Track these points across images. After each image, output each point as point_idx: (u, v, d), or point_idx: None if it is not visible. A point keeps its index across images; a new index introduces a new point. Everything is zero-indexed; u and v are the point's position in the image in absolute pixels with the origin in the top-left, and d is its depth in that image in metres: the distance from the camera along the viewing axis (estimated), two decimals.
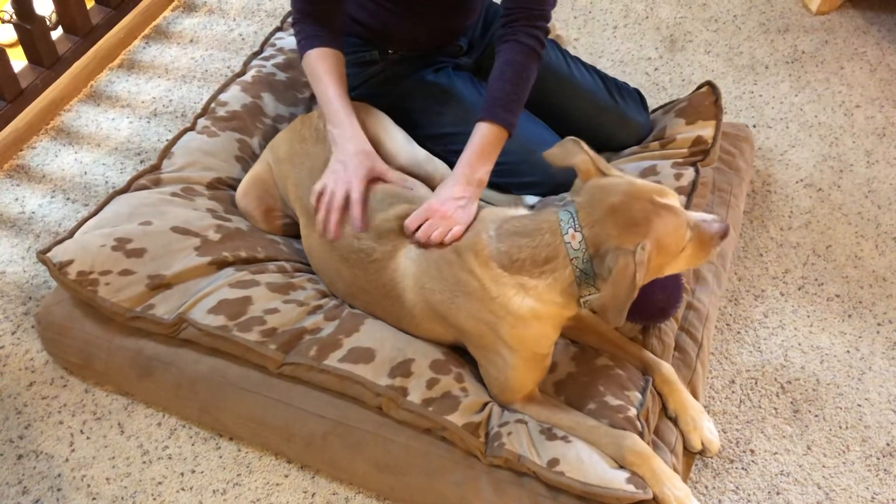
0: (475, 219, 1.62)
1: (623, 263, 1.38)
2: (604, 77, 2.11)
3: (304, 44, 1.81)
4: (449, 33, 2.01)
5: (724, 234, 1.52)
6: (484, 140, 1.71)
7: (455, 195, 1.66)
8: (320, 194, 1.70)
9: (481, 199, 2.01)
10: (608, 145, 2.09)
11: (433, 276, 1.58)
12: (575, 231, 1.45)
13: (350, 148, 1.72)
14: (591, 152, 1.53)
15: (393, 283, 1.64)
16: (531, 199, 2.00)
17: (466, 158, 1.71)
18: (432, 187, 1.85)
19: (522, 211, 1.63)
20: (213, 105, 2.13)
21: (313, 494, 1.70)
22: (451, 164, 1.92)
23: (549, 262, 1.46)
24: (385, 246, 1.64)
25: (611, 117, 2.06)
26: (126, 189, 1.93)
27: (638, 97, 2.14)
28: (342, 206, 1.68)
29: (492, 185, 2.01)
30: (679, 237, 1.46)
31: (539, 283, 1.48)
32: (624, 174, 1.54)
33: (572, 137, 1.55)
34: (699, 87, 2.13)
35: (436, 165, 1.88)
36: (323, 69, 1.78)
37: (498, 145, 1.73)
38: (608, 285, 1.40)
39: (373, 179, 1.73)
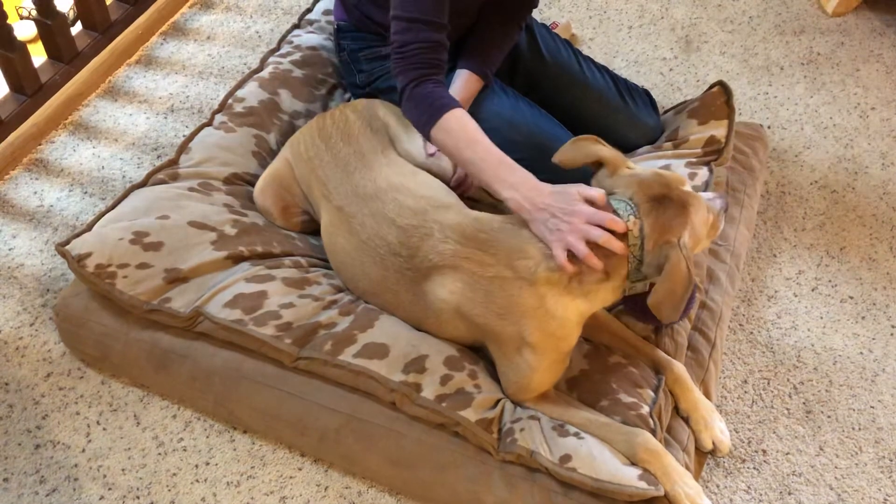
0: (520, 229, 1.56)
1: (676, 258, 1.40)
2: (615, 77, 2.12)
3: (436, 109, 1.65)
4: (462, 28, 2.02)
5: (726, 208, 1.60)
6: (472, 91, 1.94)
7: None
8: (571, 256, 1.49)
9: (493, 197, 2.02)
10: (618, 146, 2.09)
11: (480, 296, 1.55)
12: (636, 218, 1.46)
13: (552, 199, 1.52)
14: (609, 146, 1.56)
15: (426, 292, 1.62)
16: None
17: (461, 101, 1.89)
18: (446, 181, 1.86)
19: None
20: (230, 101, 2.15)
21: (326, 488, 1.71)
22: None
23: (614, 263, 1.47)
24: (428, 264, 1.60)
25: (621, 118, 2.07)
26: (144, 183, 1.95)
27: (648, 99, 2.14)
28: (607, 237, 1.47)
29: None
30: (705, 222, 1.52)
31: (602, 286, 1.49)
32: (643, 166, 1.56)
33: (586, 136, 1.56)
34: (710, 87, 2.13)
35: (449, 163, 1.89)
36: (470, 129, 1.64)
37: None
38: (663, 281, 1.40)
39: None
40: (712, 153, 2.01)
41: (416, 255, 1.62)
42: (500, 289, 1.53)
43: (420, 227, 1.63)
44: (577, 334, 1.56)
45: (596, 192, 1.50)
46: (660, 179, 1.50)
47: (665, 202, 1.46)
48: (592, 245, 1.46)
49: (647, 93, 2.15)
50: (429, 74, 1.69)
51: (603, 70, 2.13)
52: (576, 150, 1.57)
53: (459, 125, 1.64)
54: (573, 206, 1.48)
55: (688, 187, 1.52)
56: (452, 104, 1.67)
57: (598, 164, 1.56)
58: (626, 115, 2.07)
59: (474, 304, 1.56)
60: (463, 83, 1.93)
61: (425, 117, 1.67)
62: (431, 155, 1.87)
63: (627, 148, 2.10)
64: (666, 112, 2.21)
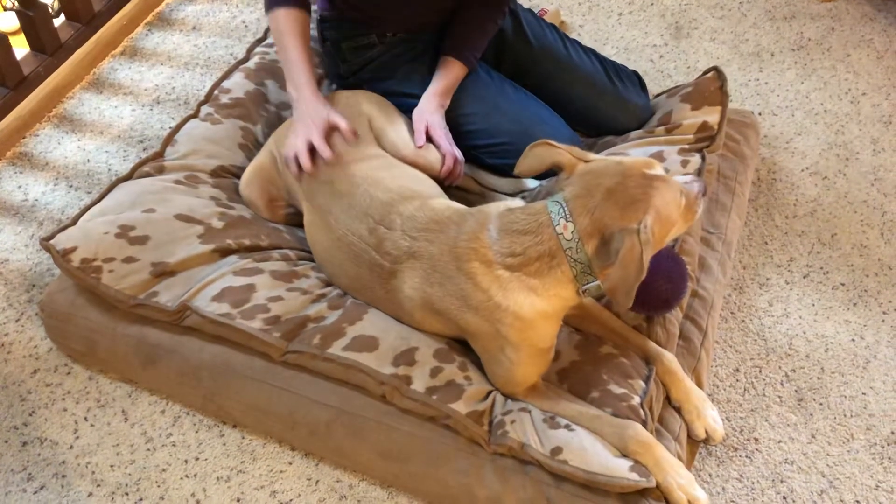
0: (474, 214, 1.58)
1: (629, 244, 1.38)
2: (602, 60, 2.11)
3: (277, 2, 1.86)
4: (447, 13, 2.00)
5: (704, 192, 1.58)
6: (455, 78, 1.95)
7: (443, 125, 1.90)
8: (295, 157, 1.78)
9: (482, 185, 2.02)
10: (608, 129, 2.09)
11: (437, 290, 1.56)
12: (567, 221, 1.44)
13: (305, 108, 1.81)
14: (564, 146, 1.52)
15: (394, 288, 1.63)
16: (532, 183, 2.00)
17: (440, 90, 1.92)
18: (433, 175, 1.85)
19: (517, 202, 1.62)
20: (216, 92, 2.12)
21: (317, 482, 1.70)
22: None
23: (553, 257, 1.46)
24: (390, 260, 1.61)
25: (610, 100, 2.06)
26: (129, 176, 1.93)
27: (636, 79, 2.13)
28: (308, 151, 1.75)
29: (490, 167, 2.01)
30: (676, 205, 1.48)
31: (545, 281, 1.47)
32: (606, 155, 1.54)
33: (539, 141, 1.54)
34: (705, 73, 2.12)
35: (437, 155, 1.88)
36: (288, 30, 1.84)
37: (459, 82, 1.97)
38: (616, 267, 1.39)
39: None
40: (705, 139, 2.00)
41: (381, 250, 1.62)
42: (448, 280, 1.53)
43: (385, 221, 1.63)
44: (548, 330, 1.54)
45: (344, 125, 1.77)
46: (615, 169, 1.46)
47: (618, 192, 1.43)
48: None
49: (635, 73, 2.14)
50: None
51: (590, 52, 2.11)
52: (532, 157, 1.55)
53: (286, 22, 1.85)
54: (313, 125, 1.76)
55: (657, 170, 1.48)
56: (294, 4, 1.86)
57: (559, 167, 1.54)
58: (615, 97, 2.06)
59: (435, 299, 1.56)
60: (446, 70, 1.92)
61: (267, 4, 1.89)
62: (420, 147, 1.85)
63: (618, 130, 2.09)
64: (658, 95, 2.20)
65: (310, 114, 1.78)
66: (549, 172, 1.64)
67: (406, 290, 1.60)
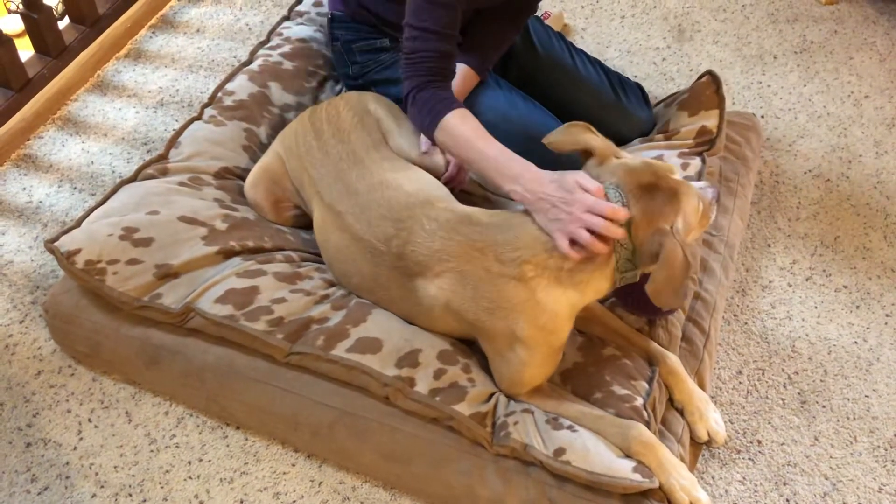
0: (516, 216, 1.56)
1: (671, 245, 1.39)
2: (607, 71, 2.12)
3: (437, 111, 1.67)
4: (462, 23, 2.00)
5: (717, 197, 1.60)
6: (466, 86, 1.92)
7: None
8: (574, 242, 1.46)
9: (486, 190, 2.02)
10: (611, 139, 2.09)
11: (468, 292, 1.54)
12: (624, 207, 1.45)
13: (552, 189, 1.50)
14: (601, 136, 1.55)
15: (416, 288, 1.61)
16: None
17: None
18: (438, 176, 1.85)
19: None
20: (219, 94, 2.13)
21: (320, 483, 1.70)
22: None
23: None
24: (416, 260, 1.59)
25: (613, 112, 2.07)
26: (133, 178, 1.94)
27: (640, 92, 2.14)
28: (607, 224, 1.44)
29: None
30: (695, 210, 1.51)
31: (593, 276, 1.47)
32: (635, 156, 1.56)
33: (579, 123, 1.56)
34: (700, 77, 2.13)
35: (441, 160, 1.88)
36: (470, 130, 1.64)
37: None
38: (660, 269, 1.40)
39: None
40: (704, 143, 2.00)
41: (405, 252, 1.60)
42: (488, 283, 1.52)
43: (409, 223, 1.61)
44: (568, 328, 1.55)
45: (593, 184, 1.48)
46: (649, 168, 1.49)
47: (654, 190, 1.46)
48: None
49: (639, 86, 2.15)
50: (433, 81, 1.70)
51: (596, 64, 2.12)
52: (567, 135, 1.56)
53: (459, 124, 1.64)
54: (573, 195, 1.46)
55: (678, 176, 1.51)
56: (452, 105, 1.67)
57: (587, 154, 1.55)
58: (619, 109, 2.07)
59: (463, 300, 1.55)
60: (460, 77, 1.91)
61: (427, 120, 1.68)
62: (425, 153, 1.85)
63: (620, 141, 2.09)
64: (657, 105, 2.20)
65: (562, 187, 1.48)
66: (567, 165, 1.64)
67: (431, 290, 1.58)
